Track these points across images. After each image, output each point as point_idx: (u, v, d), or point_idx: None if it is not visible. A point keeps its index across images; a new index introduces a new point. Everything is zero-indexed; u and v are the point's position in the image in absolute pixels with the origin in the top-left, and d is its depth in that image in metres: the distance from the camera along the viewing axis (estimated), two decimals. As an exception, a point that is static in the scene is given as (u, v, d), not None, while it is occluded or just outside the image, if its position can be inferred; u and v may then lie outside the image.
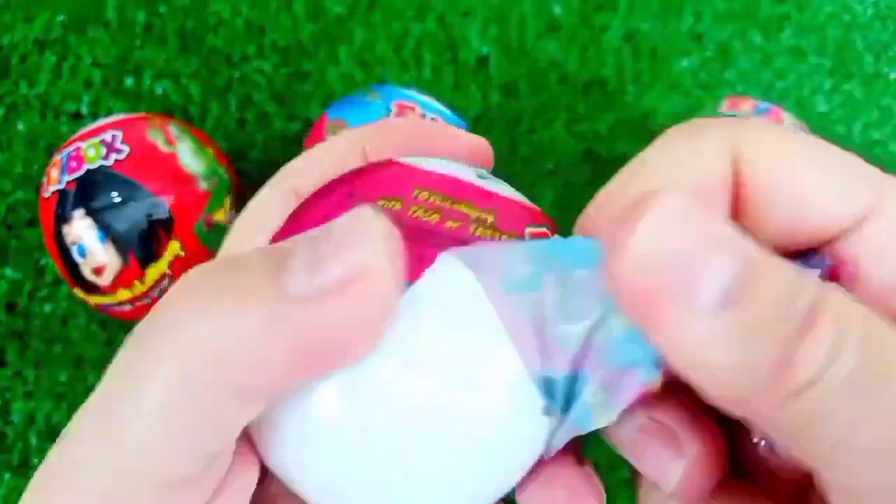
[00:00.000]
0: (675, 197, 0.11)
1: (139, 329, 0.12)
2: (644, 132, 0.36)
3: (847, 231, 0.13)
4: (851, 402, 0.10)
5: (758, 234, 0.13)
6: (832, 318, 0.11)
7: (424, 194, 0.14)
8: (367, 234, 0.12)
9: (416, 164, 0.15)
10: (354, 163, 0.16)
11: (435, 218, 0.14)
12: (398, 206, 0.14)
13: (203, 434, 0.12)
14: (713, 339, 0.11)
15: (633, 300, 0.11)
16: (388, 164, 0.15)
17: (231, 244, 0.16)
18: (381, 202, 0.14)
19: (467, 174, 0.15)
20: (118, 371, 0.12)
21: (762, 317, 0.11)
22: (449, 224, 0.14)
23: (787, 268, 0.11)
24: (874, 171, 0.13)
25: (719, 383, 0.11)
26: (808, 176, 0.13)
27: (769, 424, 0.11)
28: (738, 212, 0.14)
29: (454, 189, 0.15)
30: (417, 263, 0.13)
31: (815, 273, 0.13)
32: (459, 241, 0.14)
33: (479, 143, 0.17)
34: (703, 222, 0.11)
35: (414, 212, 0.14)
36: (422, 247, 0.14)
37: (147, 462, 0.11)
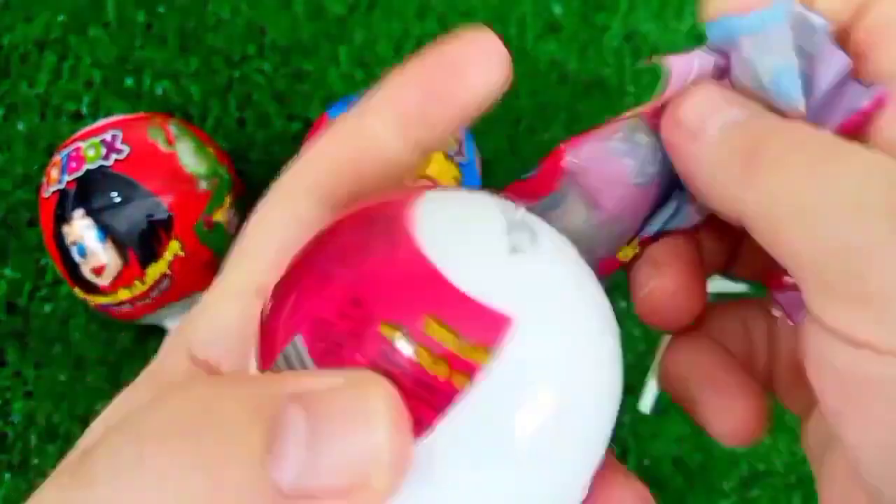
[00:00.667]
0: (704, 88, 0.16)
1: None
2: (644, 132, 0.36)
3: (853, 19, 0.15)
4: (796, 177, 0.14)
5: None
6: (789, 132, 0.14)
7: (434, 327, 0.12)
8: (372, 429, 0.11)
9: (435, 256, 0.12)
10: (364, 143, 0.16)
11: (442, 372, 0.12)
12: (401, 339, 0.11)
13: None
14: (715, 157, 0.15)
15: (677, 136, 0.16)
16: (404, 241, 0.12)
17: (231, 262, 0.16)
18: (383, 329, 0.12)
19: (497, 249, 0.13)
20: None
21: (742, 138, 0.15)
22: (455, 382, 0.12)
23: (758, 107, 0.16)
24: None
25: (718, 184, 0.15)
26: None
27: (754, 217, 0.14)
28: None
29: (470, 322, 0.12)
30: (414, 426, 0.11)
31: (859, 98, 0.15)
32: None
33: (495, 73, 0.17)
34: (720, 97, 0.16)
35: (420, 356, 0.11)
36: (419, 408, 0.11)
37: None
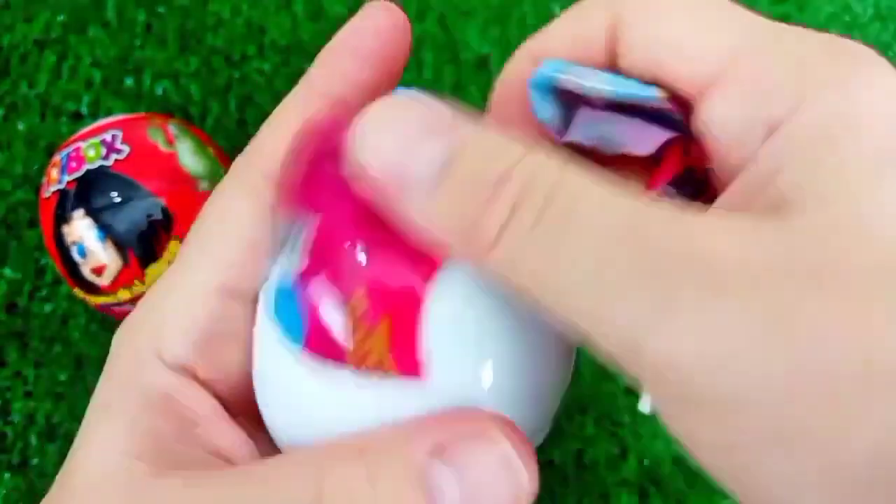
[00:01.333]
0: (400, 92, 0.13)
1: None
2: (644, 132, 0.36)
3: (709, 84, 0.13)
4: (538, 250, 0.12)
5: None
6: (519, 180, 0.12)
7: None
8: (508, 473, 0.13)
9: None
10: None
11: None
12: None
13: None
14: (434, 212, 0.12)
15: (370, 185, 0.13)
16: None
17: (190, 259, 0.16)
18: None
19: None
20: None
21: (465, 187, 0.12)
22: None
23: (494, 139, 0.13)
24: (742, 17, 0.14)
25: (450, 248, 0.13)
26: (674, 26, 0.14)
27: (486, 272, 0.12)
28: (615, 62, 0.15)
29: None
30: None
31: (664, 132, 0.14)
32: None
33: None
34: (422, 110, 0.13)
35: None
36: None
37: None
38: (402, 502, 0.12)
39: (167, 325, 0.16)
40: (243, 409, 0.16)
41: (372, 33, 0.16)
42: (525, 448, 0.13)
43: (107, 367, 0.16)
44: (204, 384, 0.16)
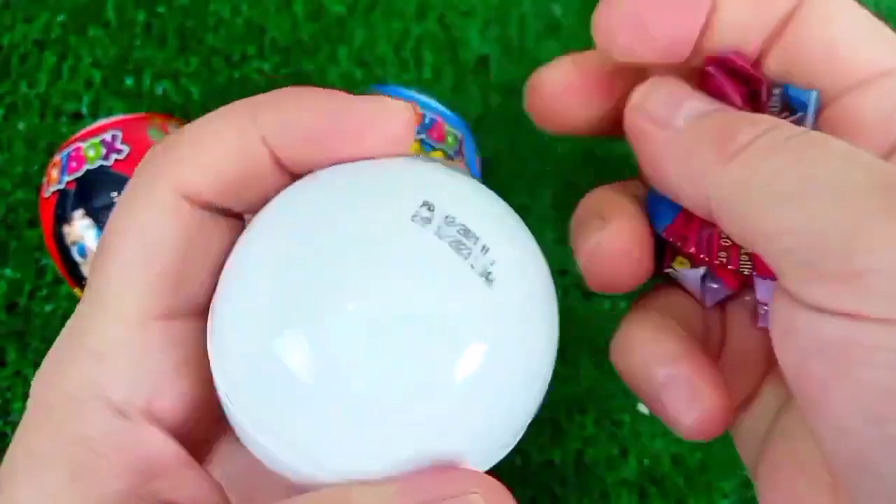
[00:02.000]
0: (666, 81, 0.17)
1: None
2: (644, 132, 0.36)
3: (863, 83, 0.15)
4: (788, 159, 0.13)
5: (793, 69, 0.16)
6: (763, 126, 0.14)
7: None
8: None
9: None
10: (253, 153, 0.15)
11: None
12: None
13: None
14: (687, 143, 0.15)
15: (634, 135, 0.17)
16: None
17: (101, 280, 0.14)
18: None
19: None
20: None
21: (723, 116, 0.15)
22: None
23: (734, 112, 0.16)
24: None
25: (689, 170, 0.15)
26: (844, 28, 0.16)
27: (727, 202, 0.14)
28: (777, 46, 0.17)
29: None
30: None
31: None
32: None
33: (401, 129, 0.15)
34: (684, 90, 0.16)
35: None
36: None
37: None
38: None
39: (105, 361, 0.14)
40: (201, 437, 0.15)
41: (359, 137, 0.16)
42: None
43: (31, 415, 0.14)
44: (160, 422, 0.14)
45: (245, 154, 0.15)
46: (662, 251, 0.18)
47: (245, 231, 0.15)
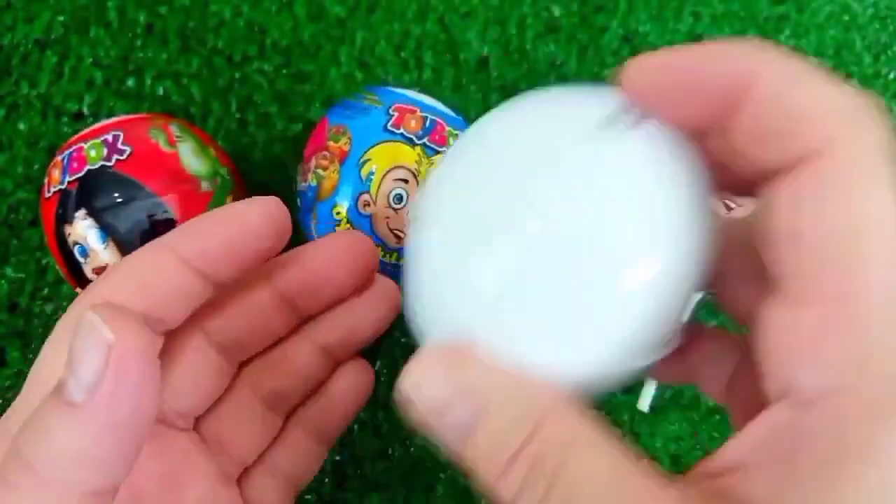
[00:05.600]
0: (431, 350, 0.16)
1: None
2: (643, 133, 0.36)
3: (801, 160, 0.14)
4: None
5: (736, 137, 0.15)
6: (529, 459, 0.14)
7: None
8: (95, 333, 0.16)
9: None
10: (171, 276, 0.19)
11: None
12: None
13: None
14: (465, 457, 0.15)
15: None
16: None
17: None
18: None
19: None
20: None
21: (485, 454, 0.15)
22: None
23: (513, 407, 0.15)
24: (853, 102, 0.14)
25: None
26: (803, 93, 0.14)
27: None
28: (731, 113, 0.15)
29: None
30: None
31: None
32: None
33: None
34: (449, 370, 0.16)
35: None
36: None
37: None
38: (41, 408, 0.17)
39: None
40: None
41: (245, 232, 0.20)
42: (117, 316, 0.17)
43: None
44: None
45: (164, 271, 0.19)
46: None
47: (438, 167, 0.18)
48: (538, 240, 0.15)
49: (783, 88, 0.14)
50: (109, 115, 0.36)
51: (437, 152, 0.30)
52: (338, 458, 0.33)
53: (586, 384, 0.16)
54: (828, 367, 0.13)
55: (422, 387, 0.15)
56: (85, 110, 0.36)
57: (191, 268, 0.19)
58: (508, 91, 0.37)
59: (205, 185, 0.30)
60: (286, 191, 0.34)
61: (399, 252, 0.29)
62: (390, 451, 0.33)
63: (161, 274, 0.19)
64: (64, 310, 0.34)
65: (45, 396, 0.17)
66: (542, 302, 0.15)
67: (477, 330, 0.16)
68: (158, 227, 0.28)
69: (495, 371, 0.15)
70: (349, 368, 0.26)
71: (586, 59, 0.38)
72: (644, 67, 0.16)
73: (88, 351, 0.16)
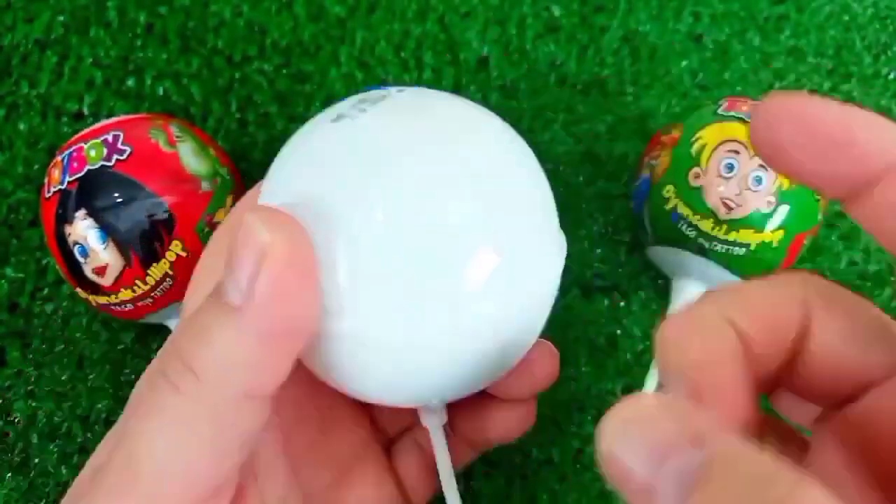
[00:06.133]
0: (642, 398, 0.12)
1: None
2: (643, 133, 0.36)
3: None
4: None
5: (804, 379, 0.15)
6: None
7: None
8: (253, 237, 0.16)
9: None
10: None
11: None
12: None
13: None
14: None
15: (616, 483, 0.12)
16: None
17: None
18: None
19: None
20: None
21: None
22: None
23: (751, 462, 0.11)
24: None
25: None
26: (860, 344, 0.15)
27: None
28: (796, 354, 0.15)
29: None
30: None
31: None
32: None
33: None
34: (672, 419, 0.12)
35: None
36: None
37: None
38: (202, 308, 0.18)
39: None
40: None
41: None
42: (275, 217, 0.16)
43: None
44: None
45: None
46: None
47: (267, 178, 0.20)
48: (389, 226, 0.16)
49: None
50: (109, 115, 0.36)
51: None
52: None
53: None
54: None
55: (628, 439, 0.12)
56: (85, 110, 0.36)
57: None
58: (508, 91, 0.37)
59: (205, 185, 0.30)
60: (286, 191, 0.34)
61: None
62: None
63: None
64: (64, 310, 0.34)
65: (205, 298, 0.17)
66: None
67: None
68: (159, 226, 0.28)
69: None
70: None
71: (586, 59, 0.38)
72: (778, 116, 0.14)
73: (245, 254, 0.15)
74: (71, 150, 0.29)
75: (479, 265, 0.17)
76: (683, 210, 0.29)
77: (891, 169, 0.14)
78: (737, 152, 0.29)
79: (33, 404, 0.33)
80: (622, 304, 0.33)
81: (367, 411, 0.25)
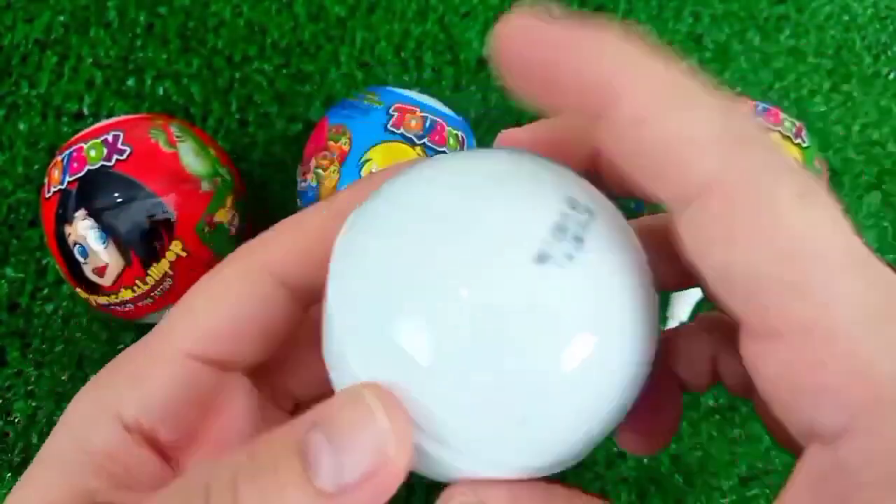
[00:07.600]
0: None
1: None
2: (643, 133, 0.36)
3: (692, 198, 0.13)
4: None
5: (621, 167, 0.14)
6: None
7: None
8: (374, 420, 0.13)
9: None
10: (335, 229, 0.16)
11: None
12: None
13: None
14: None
15: None
16: None
17: (169, 324, 0.17)
18: None
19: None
20: None
21: None
22: None
23: None
24: (740, 130, 0.13)
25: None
26: (680, 123, 0.13)
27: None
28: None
29: None
30: None
31: None
32: None
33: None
34: None
35: None
36: None
37: None
38: (279, 467, 0.13)
39: (130, 386, 0.16)
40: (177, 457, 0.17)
41: None
42: (395, 406, 0.13)
43: (63, 416, 0.17)
44: (151, 443, 0.16)
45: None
46: None
47: (347, 225, 0.16)
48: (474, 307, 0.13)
49: (651, 118, 0.13)
50: (109, 115, 0.36)
51: (437, 152, 0.30)
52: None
53: (545, 468, 0.15)
54: (839, 402, 0.12)
55: None
56: (85, 110, 0.36)
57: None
58: (508, 91, 0.37)
59: (205, 185, 0.30)
60: (286, 191, 0.34)
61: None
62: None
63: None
64: (64, 310, 0.34)
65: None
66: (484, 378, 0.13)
67: (410, 393, 0.14)
68: (159, 226, 0.28)
69: None
70: None
71: (586, 59, 0.38)
72: (515, 36, 0.14)
73: (361, 439, 0.13)
74: (71, 150, 0.29)
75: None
76: None
77: (622, 95, 0.13)
78: None
79: (33, 404, 0.33)
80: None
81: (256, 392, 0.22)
